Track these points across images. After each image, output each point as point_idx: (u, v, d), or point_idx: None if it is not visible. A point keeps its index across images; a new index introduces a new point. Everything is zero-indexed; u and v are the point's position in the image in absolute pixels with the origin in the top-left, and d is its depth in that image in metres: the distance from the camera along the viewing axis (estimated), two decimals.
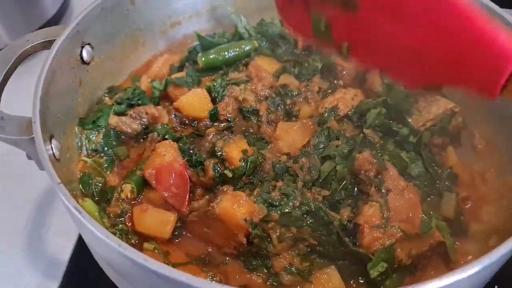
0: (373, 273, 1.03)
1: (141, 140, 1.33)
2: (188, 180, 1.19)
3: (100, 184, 1.22)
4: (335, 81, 1.46)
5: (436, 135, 1.28)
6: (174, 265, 1.10)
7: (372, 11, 0.92)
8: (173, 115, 1.34)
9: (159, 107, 1.35)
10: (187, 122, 1.35)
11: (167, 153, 1.20)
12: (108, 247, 0.84)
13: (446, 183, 1.23)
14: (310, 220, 1.11)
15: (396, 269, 1.07)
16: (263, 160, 1.21)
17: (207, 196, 1.17)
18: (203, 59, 1.45)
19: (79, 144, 1.27)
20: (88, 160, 1.25)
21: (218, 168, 1.18)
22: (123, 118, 1.31)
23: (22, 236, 1.39)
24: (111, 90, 1.43)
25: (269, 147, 1.28)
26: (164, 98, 1.41)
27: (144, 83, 1.45)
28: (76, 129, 1.28)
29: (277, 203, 1.11)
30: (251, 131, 1.32)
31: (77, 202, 0.91)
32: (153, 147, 1.26)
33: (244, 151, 1.19)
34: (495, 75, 0.79)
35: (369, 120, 1.30)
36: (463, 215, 1.19)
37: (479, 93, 0.86)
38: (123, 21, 1.43)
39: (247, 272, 1.12)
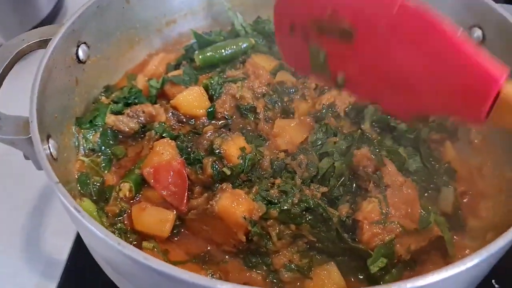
0: (373, 269, 1.03)
1: (139, 139, 1.33)
2: (187, 178, 1.19)
3: (98, 184, 1.22)
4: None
5: (433, 130, 1.28)
6: (174, 264, 1.07)
7: (366, 40, 0.96)
8: (171, 113, 1.34)
9: (156, 105, 1.35)
10: (184, 120, 1.34)
11: (165, 152, 1.20)
12: (107, 246, 0.84)
13: (444, 178, 1.23)
14: (309, 217, 1.11)
15: (396, 264, 1.07)
16: (261, 158, 1.21)
17: (205, 194, 1.17)
18: (200, 57, 1.45)
19: (76, 143, 1.27)
20: (86, 159, 1.25)
21: (216, 166, 1.18)
22: (120, 117, 1.30)
23: (20, 236, 1.39)
24: (108, 89, 1.42)
25: (266, 144, 1.28)
26: (161, 96, 1.41)
27: (140, 82, 1.44)
28: (73, 129, 1.27)
29: (276, 201, 1.11)
30: (248, 128, 1.32)
31: (76, 202, 0.90)
32: (151, 146, 1.26)
33: (242, 149, 1.19)
34: (481, 99, 0.83)
35: (366, 116, 1.31)
36: (461, 209, 1.19)
37: (467, 119, 0.93)
38: (118, 20, 1.43)
39: (247, 270, 1.12)
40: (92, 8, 1.30)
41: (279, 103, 1.36)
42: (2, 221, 1.42)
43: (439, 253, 1.12)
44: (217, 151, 1.18)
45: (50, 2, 1.95)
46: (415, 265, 1.11)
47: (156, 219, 1.15)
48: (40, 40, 1.20)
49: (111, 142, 1.30)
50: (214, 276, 1.10)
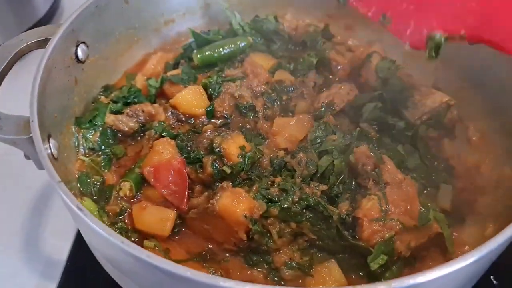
0: (374, 266, 1.04)
1: (138, 138, 1.33)
2: (187, 177, 1.19)
3: (98, 183, 1.22)
4: (330, 76, 1.47)
5: (431, 128, 1.29)
6: (175, 262, 1.10)
7: None
8: (170, 113, 1.34)
9: (155, 104, 1.35)
10: (183, 119, 1.35)
11: (165, 151, 1.20)
12: (110, 245, 0.84)
13: (443, 175, 1.24)
14: (310, 215, 1.12)
15: (396, 261, 1.08)
16: (261, 156, 1.21)
17: (206, 193, 1.17)
18: (198, 56, 1.45)
19: (76, 143, 1.27)
20: (86, 159, 1.25)
21: (217, 165, 1.18)
22: (120, 117, 1.31)
23: (19, 236, 1.39)
24: (107, 89, 1.42)
25: (266, 142, 1.28)
26: (160, 95, 1.41)
27: (139, 81, 1.44)
28: (73, 128, 1.27)
29: (276, 199, 1.12)
30: (248, 127, 1.32)
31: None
32: (150, 145, 1.26)
33: (242, 147, 1.20)
34: None
35: (365, 114, 1.31)
36: (460, 206, 1.20)
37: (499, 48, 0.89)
38: (117, 19, 1.43)
39: (248, 268, 1.12)
40: (91, 8, 1.30)
41: (278, 102, 1.37)
42: (2, 221, 1.41)
43: (438, 250, 1.13)
44: (217, 149, 1.18)
45: (46, 2, 1.95)
46: (414, 261, 1.11)
47: (157, 218, 1.15)
48: (39, 40, 1.20)
49: (110, 141, 1.30)
50: (215, 274, 1.10)
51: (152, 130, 1.29)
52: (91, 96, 1.38)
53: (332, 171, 1.18)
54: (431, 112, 1.29)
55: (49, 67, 1.14)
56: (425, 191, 1.21)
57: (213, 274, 1.10)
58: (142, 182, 1.22)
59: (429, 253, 1.13)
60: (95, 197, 1.20)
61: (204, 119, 1.34)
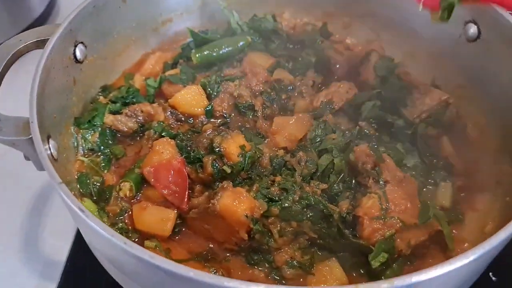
0: (375, 264, 1.04)
1: (137, 138, 1.33)
2: (187, 177, 1.19)
3: (98, 184, 1.22)
4: (329, 75, 1.46)
5: (430, 126, 1.29)
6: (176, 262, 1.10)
7: None
8: (169, 112, 1.34)
9: (154, 104, 1.35)
10: (183, 119, 1.35)
11: (165, 151, 1.20)
12: (112, 246, 0.84)
13: (442, 173, 1.24)
14: (310, 214, 1.12)
15: (396, 259, 1.08)
16: (261, 155, 1.21)
17: (206, 193, 1.17)
18: (197, 55, 1.45)
19: (75, 144, 1.27)
20: (85, 159, 1.25)
21: (217, 164, 1.18)
22: (119, 117, 1.30)
23: (18, 237, 1.38)
24: (105, 89, 1.42)
25: (266, 142, 1.28)
26: (159, 95, 1.41)
27: (137, 81, 1.44)
28: (72, 129, 1.27)
29: (276, 198, 1.12)
30: (247, 126, 1.32)
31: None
32: (150, 145, 1.26)
33: (242, 147, 1.19)
34: None
35: (364, 113, 1.32)
36: (459, 203, 1.21)
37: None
38: (115, 19, 1.42)
39: (249, 267, 1.12)
40: (89, 8, 1.30)
41: (277, 101, 1.37)
42: (1, 221, 1.41)
43: (438, 247, 1.14)
44: (217, 149, 1.18)
45: (42, 1, 1.93)
46: (414, 259, 1.12)
47: (157, 218, 1.15)
48: (37, 40, 1.19)
49: (110, 141, 1.30)
50: (217, 274, 1.10)
51: (152, 130, 1.29)
52: (89, 96, 1.37)
53: (332, 170, 1.18)
54: (430, 110, 1.30)
55: (48, 68, 1.13)
56: (424, 189, 1.22)
57: (214, 273, 1.10)
58: (142, 182, 1.21)
59: (429, 251, 1.13)
60: (95, 198, 1.19)
61: (204, 119, 1.34)
